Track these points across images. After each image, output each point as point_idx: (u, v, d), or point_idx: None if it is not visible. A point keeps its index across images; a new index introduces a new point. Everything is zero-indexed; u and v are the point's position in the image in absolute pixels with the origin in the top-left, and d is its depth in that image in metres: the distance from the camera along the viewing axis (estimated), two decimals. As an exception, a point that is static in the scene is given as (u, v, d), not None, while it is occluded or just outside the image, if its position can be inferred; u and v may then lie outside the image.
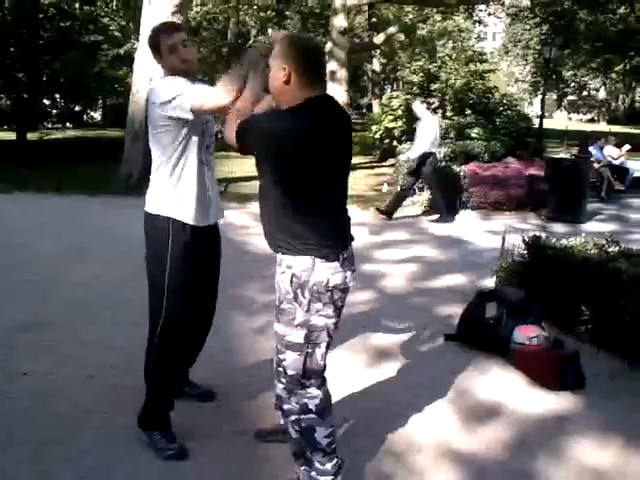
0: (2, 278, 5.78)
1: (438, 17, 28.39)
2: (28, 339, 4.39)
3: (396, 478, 2.88)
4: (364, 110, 44.48)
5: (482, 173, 10.83)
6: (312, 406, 2.57)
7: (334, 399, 2.80)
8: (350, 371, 3.95)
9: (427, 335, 4.66)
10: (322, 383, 2.64)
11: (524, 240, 5.47)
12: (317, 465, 2.59)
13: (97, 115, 27.17)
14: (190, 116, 2.77)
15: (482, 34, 48.62)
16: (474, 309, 4.50)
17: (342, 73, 20.82)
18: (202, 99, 2.75)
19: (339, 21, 19.96)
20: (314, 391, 2.59)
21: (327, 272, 2.45)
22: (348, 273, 2.54)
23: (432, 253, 7.31)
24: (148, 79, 10.38)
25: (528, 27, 30.22)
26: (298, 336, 2.50)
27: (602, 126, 44.27)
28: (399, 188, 9.95)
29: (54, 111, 20.52)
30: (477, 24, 29.23)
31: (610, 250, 5.13)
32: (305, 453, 2.61)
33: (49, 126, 21.06)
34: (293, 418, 2.60)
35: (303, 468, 2.64)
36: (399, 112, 16.17)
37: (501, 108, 16.31)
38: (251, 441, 3.14)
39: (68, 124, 22.72)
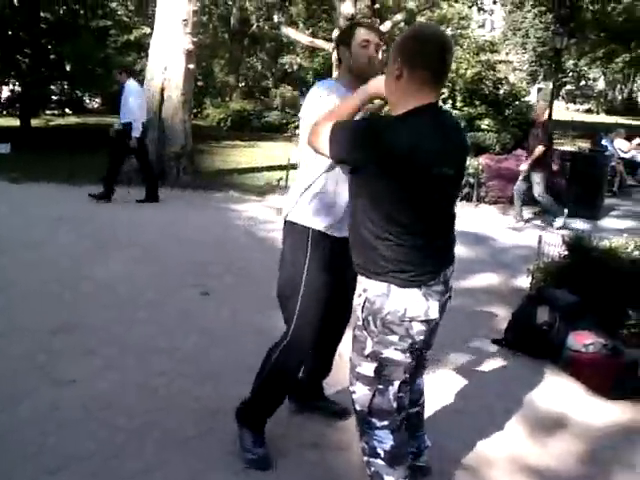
0: (27, 277, 5.51)
1: (444, 5, 28.20)
2: (67, 342, 4.22)
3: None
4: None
5: (496, 166, 10.76)
6: (380, 451, 2.29)
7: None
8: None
9: (472, 339, 4.59)
10: (396, 427, 2.33)
11: (565, 240, 5.40)
12: None
13: (97, 101, 26.87)
14: None
15: (482, 22, 48.47)
16: (524, 313, 4.43)
17: (349, 61, 20.67)
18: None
19: (346, 8, 19.77)
20: (384, 434, 2.30)
21: (404, 301, 2.16)
22: (433, 303, 2.20)
23: (460, 250, 7.19)
24: (163, 67, 10.25)
25: (529, 16, 30.07)
26: (368, 368, 2.26)
27: (602, 117, 44.24)
28: None
29: (54, 97, 20.19)
30: (481, 12, 28.98)
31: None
32: None
33: (48, 112, 20.79)
34: (364, 459, 2.36)
35: None
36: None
37: (510, 99, 16.25)
38: (347, 457, 3.04)
39: (67, 110, 22.37)
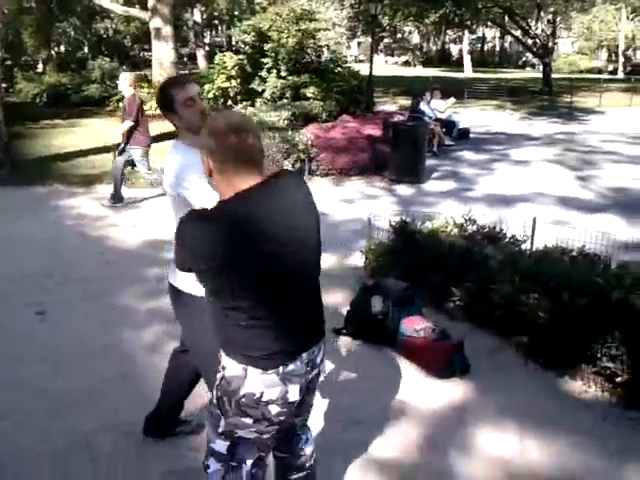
0: None
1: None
2: None
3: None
4: (185, 59, 43.54)
5: (324, 136, 11.07)
6: None
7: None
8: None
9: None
10: None
11: (391, 224, 5.75)
12: None
13: None
14: None
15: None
16: (361, 304, 4.71)
17: (168, 30, 20.13)
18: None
19: (159, -27, 19.11)
20: None
21: (261, 384, 2.09)
22: (292, 387, 2.13)
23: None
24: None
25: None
26: (222, 446, 2.21)
27: (419, 70, 46.45)
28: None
29: None
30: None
31: (469, 228, 5.54)
32: None
33: None
34: None
35: None
36: (233, 72, 16.00)
37: (332, 66, 16.65)
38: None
39: None
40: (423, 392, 3.98)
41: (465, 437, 3.53)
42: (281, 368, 2.09)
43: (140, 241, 6.84)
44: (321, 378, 2.35)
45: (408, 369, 4.26)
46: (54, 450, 3.31)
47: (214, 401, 2.20)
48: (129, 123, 8.11)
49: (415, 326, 4.37)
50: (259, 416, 2.12)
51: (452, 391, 4.00)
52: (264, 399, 2.09)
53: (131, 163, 8.50)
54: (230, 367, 2.12)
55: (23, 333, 4.66)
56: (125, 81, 8.34)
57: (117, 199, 8.40)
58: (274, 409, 2.12)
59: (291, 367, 2.12)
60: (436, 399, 3.90)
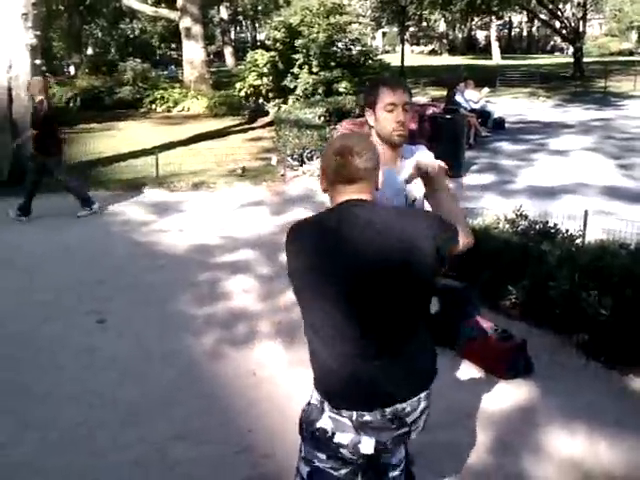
0: None
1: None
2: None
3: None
4: (212, 57, 43.77)
5: (359, 131, 11.03)
6: None
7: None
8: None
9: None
10: None
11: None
12: None
13: None
14: None
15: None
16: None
17: (197, 29, 20.38)
18: None
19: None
20: None
21: (333, 424, 1.99)
22: (366, 438, 1.98)
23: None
24: (7, 66, 9.62)
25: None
26: (303, 469, 2.11)
27: (445, 58, 46.08)
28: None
29: None
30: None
31: (521, 223, 5.50)
32: None
33: None
34: None
35: None
36: (265, 70, 16.00)
37: (363, 59, 16.57)
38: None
39: None
40: (487, 393, 3.97)
41: (535, 439, 3.52)
42: (354, 415, 1.96)
43: (189, 246, 6.91)
44: (413, 436, 2.11)
45: (470, 370, 4.25)
46: (130, 459, 3.38)
47: (297, 425, 2.12)
48: (31, 132, 7.91)
49: (476, 327, 4.36)
50: (331, 453, 2.01)
51: (516, 392, 3.98)
52: (335, 440, 1.99)
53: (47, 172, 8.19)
54: (314, 396, 2.07)
55: (86, 342, 4.73)
56: (36, 86, 8.03)
57: (25, 211, 8.16)
58: (346, 453, 2.00)
59: (367, 418, 1.96)
60: (501, 400, 3.89)
